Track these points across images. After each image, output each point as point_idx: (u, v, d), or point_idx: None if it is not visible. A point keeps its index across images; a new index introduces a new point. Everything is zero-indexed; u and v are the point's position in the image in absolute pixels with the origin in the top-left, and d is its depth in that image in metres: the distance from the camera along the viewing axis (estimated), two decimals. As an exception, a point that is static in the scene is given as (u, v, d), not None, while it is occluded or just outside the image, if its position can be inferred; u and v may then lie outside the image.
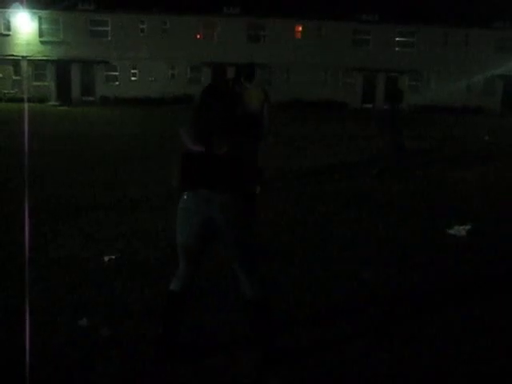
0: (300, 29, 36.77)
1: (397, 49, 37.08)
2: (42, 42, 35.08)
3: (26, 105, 28.24)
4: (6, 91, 33.29)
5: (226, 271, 4.44)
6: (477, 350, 3.53)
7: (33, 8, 33.60)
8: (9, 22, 34.56)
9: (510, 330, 3.85)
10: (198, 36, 36.19)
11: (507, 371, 3.31)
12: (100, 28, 35.02)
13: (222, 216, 3.00)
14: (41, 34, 35.02)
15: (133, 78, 35.83)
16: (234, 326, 3.72)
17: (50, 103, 32.76)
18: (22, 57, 34.35)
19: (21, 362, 3.10)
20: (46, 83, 35.09)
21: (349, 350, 3.48)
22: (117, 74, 35.77)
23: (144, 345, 3.42)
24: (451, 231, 6.23)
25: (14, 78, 34.69)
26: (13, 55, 34.52)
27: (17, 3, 33.11)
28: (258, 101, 7.55)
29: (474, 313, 4.10)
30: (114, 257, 5.03)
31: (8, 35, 34.61)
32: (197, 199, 3.02)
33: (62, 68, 35.10)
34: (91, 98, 35.06)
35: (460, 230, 6.24)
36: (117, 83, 35.70)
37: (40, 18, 34.69)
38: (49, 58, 34.87)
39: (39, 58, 34.80)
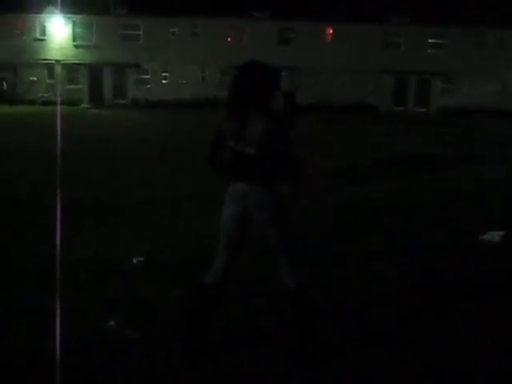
0: (330, 31, 36.58)
1: (429, 50, 36.55)
2: (75, 46, 35.72)
3: (58, 107, 28.72)
4: (40, 94, 33.99)
5: (249, 271, 4.42)
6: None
7: (67, 13, 34.25)
8: (44, 26, 35.31)
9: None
10: (229, 39, 36.34)
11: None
12: (132, 32, 35.48)
13: (257, 206, 3.17)
14: (74, 38, 35.68)
15: (164, 81, 36.17)
16: (258, 324, 3.68)
17: (83, 106, 33.30)
18: (56, 61, 35.01)
19: (49, 362, 3.11)
20: (78, 86, 35.68)
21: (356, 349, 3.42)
22: (148, 77, 36.17)
23: (170, 347, 3.41)
24: (485, 236, 6.06)
25: (47, 81, 35.39)
26: (47, 59, 35.23)
27: (51, 8, 33.78)
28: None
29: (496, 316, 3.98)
30: (142, 259, 5.04)
31: (43, 40, 35.36)
32: (236, 190, 3.21)
33: (94, 71, 35.67)
34: (123, 101, 35.51)
35: (494, 236, 6.06)
36: (148, 86, 36.10)
37: (74, 23, 35.35)
38: (82, 61, 35.48)
39: (72, 61, 35.43)
